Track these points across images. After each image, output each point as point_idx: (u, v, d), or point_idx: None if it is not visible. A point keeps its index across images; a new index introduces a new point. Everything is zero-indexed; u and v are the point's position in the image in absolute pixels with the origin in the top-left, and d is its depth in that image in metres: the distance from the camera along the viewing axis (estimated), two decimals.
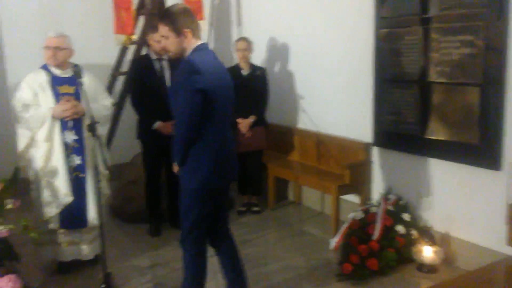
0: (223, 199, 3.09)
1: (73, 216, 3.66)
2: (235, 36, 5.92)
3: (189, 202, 2.88)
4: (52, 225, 3.67)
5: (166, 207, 4.75)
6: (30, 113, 3.57)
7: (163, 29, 2.78)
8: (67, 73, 3.71)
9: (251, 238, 4.51)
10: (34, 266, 3.70)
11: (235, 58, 5.17)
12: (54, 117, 3.58)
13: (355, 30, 4.49)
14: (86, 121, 3.52)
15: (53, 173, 3.61)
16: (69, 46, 3.72)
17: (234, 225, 4.77)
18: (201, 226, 2.95)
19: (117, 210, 4.89)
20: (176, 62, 4.57)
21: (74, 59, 3.75)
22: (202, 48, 2.82)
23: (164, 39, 2.81)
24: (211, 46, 5.96)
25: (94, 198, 3.62)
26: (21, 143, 3.65)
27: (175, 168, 2.92)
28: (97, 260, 3.66)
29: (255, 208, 5.17)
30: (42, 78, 3.64)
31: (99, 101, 3.82)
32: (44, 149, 3.58)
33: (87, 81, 3.69)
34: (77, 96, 3.64)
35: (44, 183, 3.61)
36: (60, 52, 3.65)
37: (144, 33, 5.06)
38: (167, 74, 4.48)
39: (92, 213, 3.68)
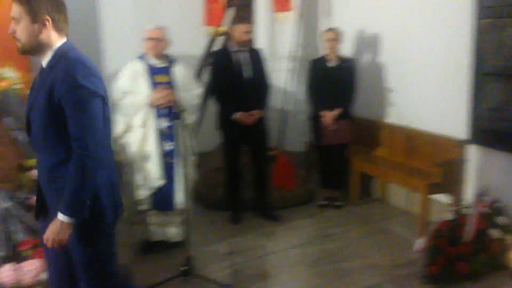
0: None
1: (162, 199, 3.83)
2: (324, 27, 5.81)
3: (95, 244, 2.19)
4: (143, 206, 3.86)
5: (245, 196, 4.80)
6: (128, 100, 3.77)
7: (16, 9, 2.10)
8: (163, 63, 3.88)
9: (332, 233, 4.43)
10: (123, 244, 3.86)
11: (323, 50, 5.07)
12: (150, 105, 3.74)
13: (452, 20, 4.24)
14: (178, 109, 3.69)
15: (146, 157, 3.79)
16: (167, 38, 3.88)
17: (315, 219, 4.81)
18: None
19: (201, 196, 5.00)
20: (255, 53, 4.65)
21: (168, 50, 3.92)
22: (72, 46, 2.19)
23: (14, 23, 2.12)
24: (300, 38, 5.91)
25: (182, 183, 3.76)
26: (117, 128, 3.85)
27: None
28: (180, 243, 3.78)
29: (337, 203, 5.06)
30: (140, 67, 3.83)
31: (190, 91, 3.94)
32: (139, 134, 3.77)
33: (180, 71, 3.90)
34: (170, 85, 3.80)
35: (138, 166, 3.81)
36: (160, 43, 3.81)
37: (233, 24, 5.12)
38: (245, 66, 4.52)
39: (179, 197, 3.82)
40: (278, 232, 4.52)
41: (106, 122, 2.17)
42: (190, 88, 3.94)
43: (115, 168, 2.27)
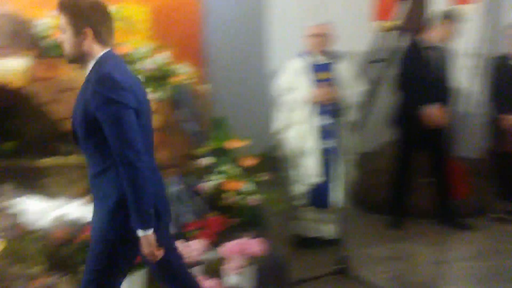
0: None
1: (318, 196, 3.86)
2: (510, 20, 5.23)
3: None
4: (300, 202, 3.94)
5: (413, 201, 4.56)
6: (290, 97, 3.88)
7: (62, 19, 2.12)
8: (326, 60, 3.91)
9: (507, 249, 3.99)
10: (278, 236, 3.99)
11: (508, 47, 4.57)
12: (312, 101, 3.80)
13: None
14: (340, 106, 3.70)
15: (306, 153, 3.85)
16: (331, 34, 3.90)
17: (488, 232, 4.38)
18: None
19: (359, 197, 4.90)
20: (444, 51, 4.37)
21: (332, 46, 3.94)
22: (111, 56, 2.16)
23: (61, 32, 2.15)
24: (485, 33, 5.40)
25: (339, 182, 3.75)
26: (278, 124, 3.99)
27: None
28: (334, 241, 3.76)
29: None
30: (302, 64, 3.91)
31: (354, 88, 3.91)
32: (300, 130, 3.86)
33: (343, 68, 3.91)
34: (333, 82, 3.82)
35: (296, 162, 3.89)
36: (324, 39, 3.86)
37: (409, 19, 4.92)
38: (434, 64, 4.30)
39: (336, 195, 3.79)
40: (445, 242, 4.22)
41: (144, 132, 2.12)
42: (353, 85, 3.91)
43: (160, 178, 2.24)
